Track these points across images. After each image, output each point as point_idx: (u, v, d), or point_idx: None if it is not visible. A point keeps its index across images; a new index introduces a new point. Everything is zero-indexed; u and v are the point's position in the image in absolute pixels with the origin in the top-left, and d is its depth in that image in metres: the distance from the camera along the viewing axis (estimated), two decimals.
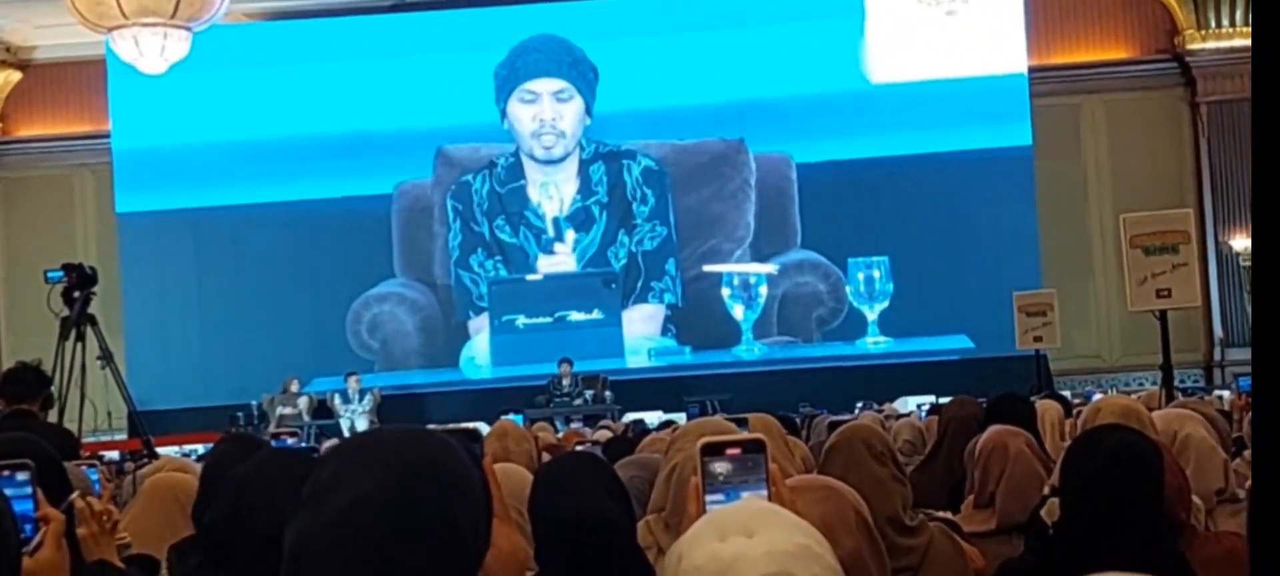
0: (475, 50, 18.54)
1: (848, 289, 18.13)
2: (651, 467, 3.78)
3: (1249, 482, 3.82)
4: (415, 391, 17.99)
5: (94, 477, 4.00)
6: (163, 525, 3.58)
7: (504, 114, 18.49)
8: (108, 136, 19.05)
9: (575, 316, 18.03)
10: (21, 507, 2.33)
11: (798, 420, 9.65)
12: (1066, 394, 11.51)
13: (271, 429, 14.94)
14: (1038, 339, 15.15)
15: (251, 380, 17.48)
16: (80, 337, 8.55)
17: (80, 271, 8.72)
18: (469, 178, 18.55)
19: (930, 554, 3.30)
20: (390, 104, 18.59)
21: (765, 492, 1.79)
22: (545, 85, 18.46)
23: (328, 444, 6.79)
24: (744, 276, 18.10)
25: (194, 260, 18.93)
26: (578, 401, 16.16)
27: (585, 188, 18.51)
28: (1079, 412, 6.30)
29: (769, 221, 18.48)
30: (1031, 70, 18.61)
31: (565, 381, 16.48)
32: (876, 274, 17.99)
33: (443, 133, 18.62)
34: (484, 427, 10.99)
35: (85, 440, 8.04)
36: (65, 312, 8.63)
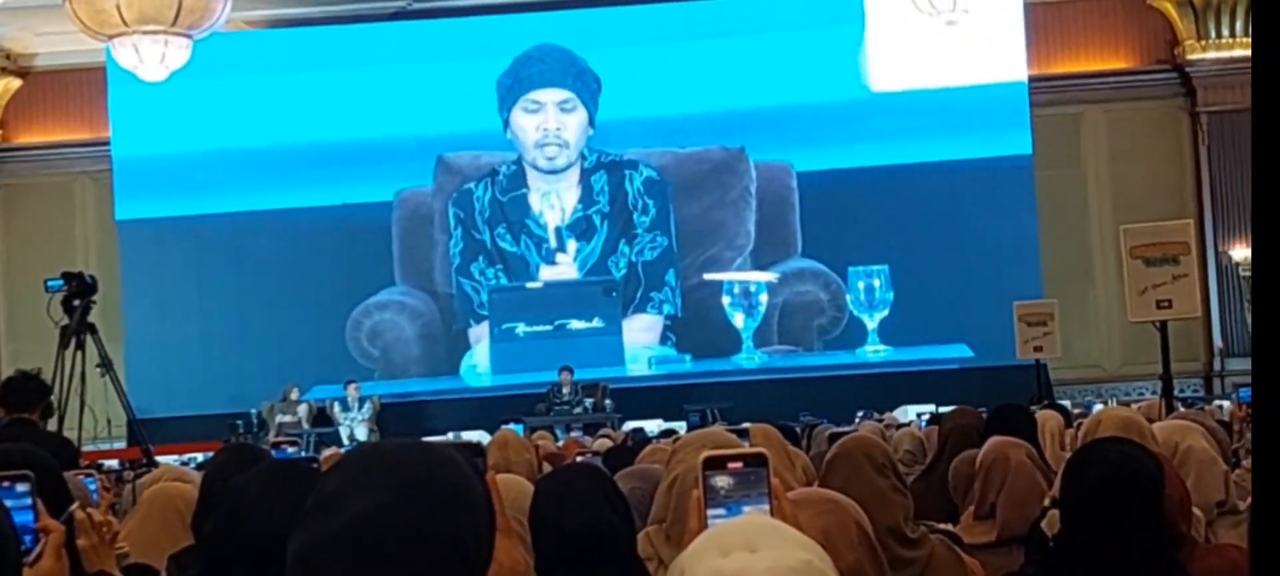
0: (476, 58, 18.55)
1: (848, 297, 18.14)
2: (652, 479, 3.77)
3: (1250, 495, 3.82)
4: (415, 399, 17.99)
5: (92, 487, 4.00)
6: (162, 535, 3.58)
7: (507, 123, 18.50)
8: (108, 144, 19.06)
9: (575, 325, 18.04)
10: (21, 518, 2.33)
11: (798, 429, 9.65)
12: (1066, 403, 11.51)
13: (271, 437, 14.94)
14: (1038, 349, 15.14)
15: (251, 388, 17.47)
16: (80, 346, 8.56)
17: (80, 280, 8.73)
18: (471, 185, 18.56)
19: (931, 566, 3.30)
20: (391, 112, 18.60)
21: (767, 507, 1.79)
22: (550, 95, 18.48)
23: (327, 452, 6.79)
24: (744, 284, 18.11)
25: (194, 267, 18.93)
26: (578, 409, 16.16)
27: (587, 197, 18.52)
28: (1079, 424, 6.30)
29: (769, 230, 18.49)
30: (1032, 79, 18.62)
31: (565, 389, 16.48)
32: (877, 282, 18.00)
33: (443, 140, 18.63)
34: (485, 437, 10.99)
35: (85, 448, 8.04)
36: (65, 321, 8.64)
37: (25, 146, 20.05)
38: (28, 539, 2.36)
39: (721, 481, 1.80)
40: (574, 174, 18.55)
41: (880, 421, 10.60)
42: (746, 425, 5.33)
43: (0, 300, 20.00)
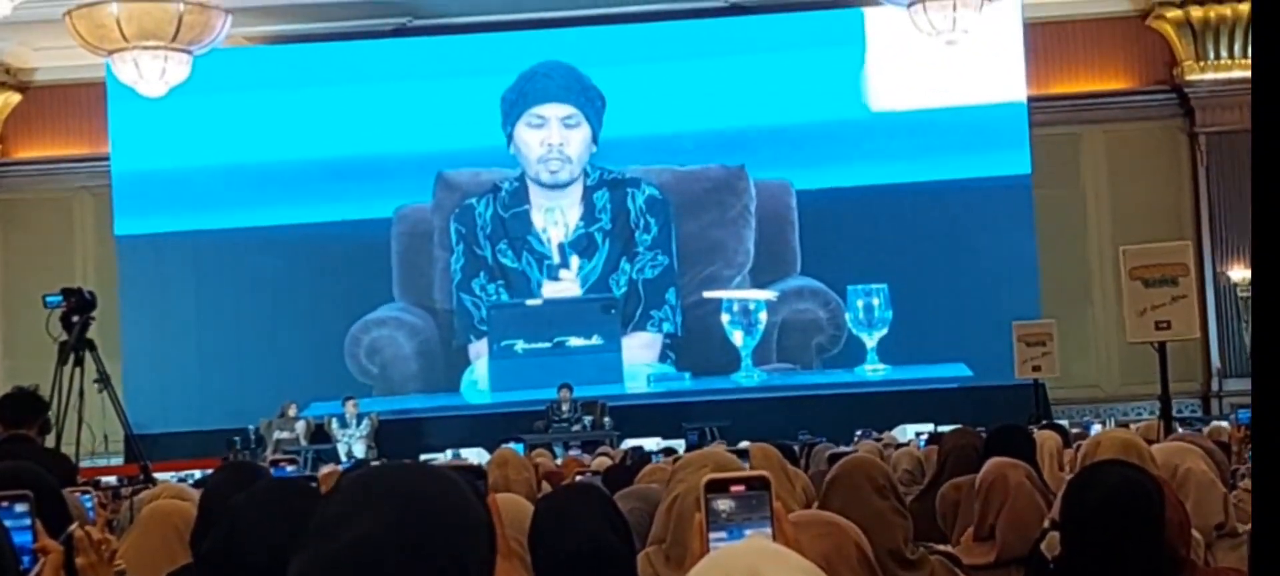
0: (476, 75, 18.56)
1: (847, 316, 18.13)
2: (652, 499, 3.76)
3: (1249, 519, 3.81)
4: (413, 416, 17.97)
5: (89, 504, 3.99)
6: (160, 553, 3.57)
7: (510, 138, 18.51)
8: (107, 159, 19.05)
9: (574, 342, 18.03)
10: (20, 538, 2.33)
11: (796, 448, 9.64)
12: (1064, 423, 11.51)
13: (269, 454, 14.91)
14: (1037, 369, 15.15)
15: (249, 404, 17.44)
16: (79, 362, 8.55)
17: (79, 296, 8.72)
18: (473, 201, 18.57)
19: None
20: (391, 128, 18.60)
21: (769, 531, 1.79)
22: (554, 110, 18.50)
23: (325, 469, 6.78)
24: (744, 303, 18.11)
25: (193, 283, 18.91)
26: (576, 427, 16.15)
27: (588, 214, 18.52)
28: (1079, 445, 6.29)
29: (769, 248, 18.49)
30: (1031, 99, 18.64)
31: (564, 407, 16.47)
32: (876, 301, 17.99)
33: (443, 157, 18.64)
34: (483, 454, 10.97)
35: (82, 464, 8.03)
36: (64, 337, 8.63)
37: (24, 161, 20.05)
38: (26, 559, 2.36)
39: (724, 504, 1.80)
40: (576, 191, 18.56)
41: (879, 441, 10.60)
42: (745, 444, 5.33)
43: None
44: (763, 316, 18.11)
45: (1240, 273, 18.64)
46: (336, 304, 18.50)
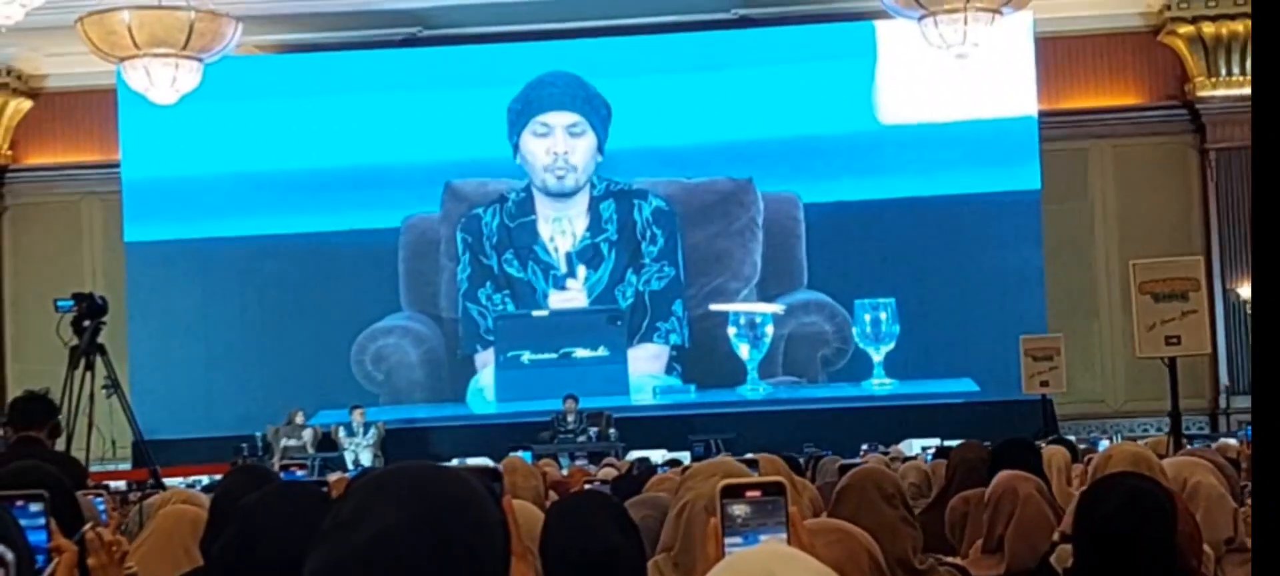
0: (485, 86, 18.58)
1: (854, 330, 18.11)
2: (662, 507, 3.76)
3: None
4: (419, 425, 17.97)
5: (101, 507, 4.00)
6: (172, 556, 3.58)
7: (516, 148, 18.53)
8: (117, 165, 19.07)
9: (580, 353, 18.03)
10: (35, 538, 2.34)
11: (802, 461, 9.63)
12: (1072, 438, 11.49)
13: (276, 461, 14.93)
14: (1044, 383, 15.14)
15: (255, 411, 17.45)
16: (89, 367, 8.57)
17: (90, 301, 8.75)
18: (479, 210, 18.59)
19: None
20: (399, 138, 18.62)
21: (785, 536, 1.79)
22: (559, 118, 18.51)
23: (334, 477, 6.79)
24: (750, 316, 18.10)
25: (201, 290, 18.93)
26: (582, 438, 16.14)
27: (595, 225, 18.53)
28: (1089, 459, 6.28)
29: (776, 261, 18.48)
30: (1041, 114, 18.63)
31: (570, 418, 16.47)
32: (883, 315, 17.97)
33: (451, 167, 18.65)
34: (490, 464, 10.96)
35: (91, 469, 8.03)
36: (74, 341, 8.65)
37: (35, 167, 20.09)
38: (40, 558, 2.36)
39: (739, 510, 1.80)
40: (583, 201, 18.57)
41: (885, 454, 10.58)
42: (750, 454, 5.33)
43: (8, 319, 20.01)
44: (769, 330, 18.09)
45: (1249, 289, 18.61)
46: (344, 312, 18.51)
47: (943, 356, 17.89)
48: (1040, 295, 18.37)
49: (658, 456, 12.68)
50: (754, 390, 18.03)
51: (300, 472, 4.74)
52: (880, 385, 18.04)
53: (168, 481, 8.78)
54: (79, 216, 20.03)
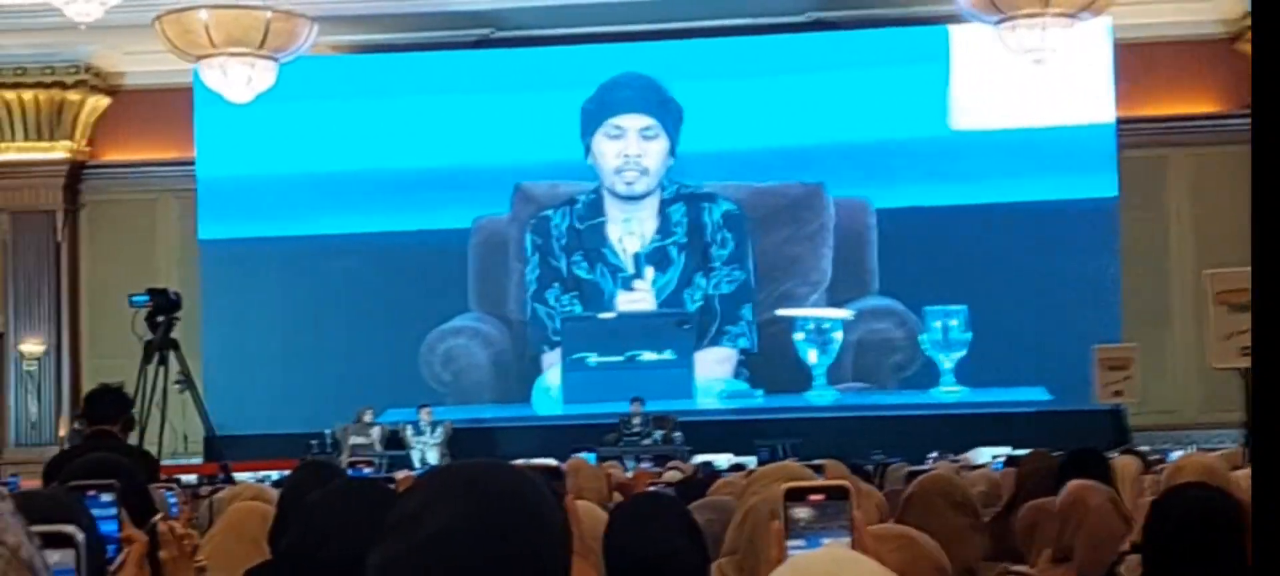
0: (557, 88, 18.64)
1: (924, 337, 17.98)
2: (726, 511, 3.75)
3: None
4: (486, 425, 18.05)
5: (172, 500, 4.04)
6: (242, 551, 3.61)
7: (588, 149, 18.57)
8: (192, 163, 19.30)
9: (646, 356, 18.03)
10: (106, 527, 2.37)
11: (870, 468, 9.58)
12: (1144, 449, 11.34)
13: (345, 458, 15.04)
14: (1118, 393, 14.95)
15: (326, 408, 17.58)
16: (163, 361, 8.67)
17: (165, 296, 8.85)
18: (549, 212, 18.64)
19: None
20: (470, 139, 18.71)
21: (848, 540, 1.78)
22: (632, 121, 18.53)
23: (401, 475, 6.83)
24: (819, 321, 18.02)
25: (273, 288, 19.11)
26: (647, 441, 16.14)
27: (664, 227, 18.53)
28: (1161, 469, 6.21)
29: (846, 266, 18.40)
30: (1118, 121, 18.41)
31: (635, 420, 16.47)
32: (954, 323, 17.83)
33: (522, 169, 18.72)
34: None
35: (163, 463, 8.14)
36: (148, 336, 8.75)
37: (112, 164, 20.36)
38: (111, 548, 2.39)
39: (802, 513, 1.79)
40: (653, 203, 18.58)
41: (955, 462, 10.51)
42: (821, 462, 5.30)
43: (84, 315, 20.31)
44: (838, 335, 18.01)
45: None
46: (413, 312, 18.63)
47: (1015, 364, 17.72)
48: (1115, 304, 18.15)
49: (723, 461, 12.66)
50: (821, 395, 17.96)
51: (367, 470, 4.77)
52: (950, 392, 17.90)
53: (238, 476, 8.87)
54: (154, 214, 20.29)
